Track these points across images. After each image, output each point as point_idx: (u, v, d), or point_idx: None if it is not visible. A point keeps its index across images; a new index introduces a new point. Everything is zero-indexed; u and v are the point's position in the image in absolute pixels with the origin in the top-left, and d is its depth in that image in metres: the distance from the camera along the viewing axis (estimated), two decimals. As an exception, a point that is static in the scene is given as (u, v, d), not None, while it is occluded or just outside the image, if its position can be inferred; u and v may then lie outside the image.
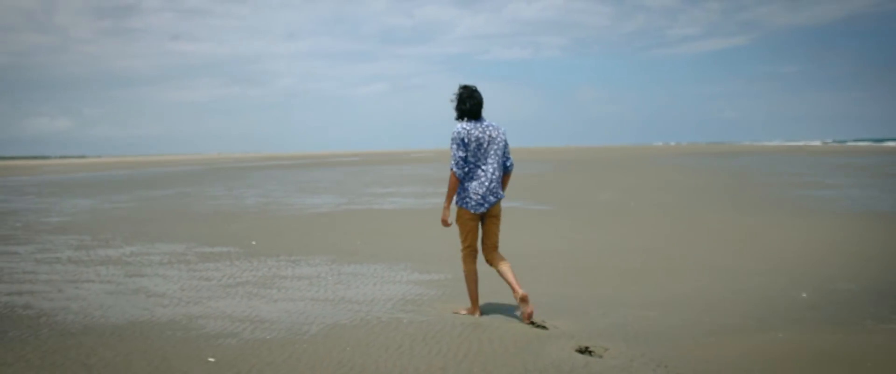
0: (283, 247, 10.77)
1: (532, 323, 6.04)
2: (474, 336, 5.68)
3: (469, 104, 6.14)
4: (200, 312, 6.66)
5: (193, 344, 5.58)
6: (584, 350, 5.32)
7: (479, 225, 6.30)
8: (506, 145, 6.29)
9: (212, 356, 5.26)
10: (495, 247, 6.33)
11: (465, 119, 6.17)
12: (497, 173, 6.18)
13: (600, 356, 5.19)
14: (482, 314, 6.42)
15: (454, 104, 6.21)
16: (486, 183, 6.12)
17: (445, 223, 6.23)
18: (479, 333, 5.77)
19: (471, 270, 6.39)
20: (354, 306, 6.81)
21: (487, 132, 6.14)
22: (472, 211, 6.15)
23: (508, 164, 6.34)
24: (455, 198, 6.19)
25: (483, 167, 6.12)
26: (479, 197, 6.11)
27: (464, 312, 6.47)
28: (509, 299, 6.91)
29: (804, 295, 7.01)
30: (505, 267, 6.25)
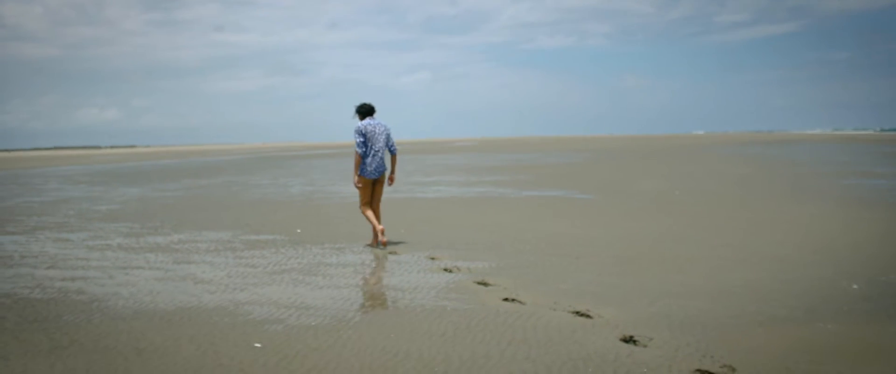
0: (327, 235, 10.87)
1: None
2: (519, 324, 5.67)
3: (364, 110, 9.47)
4: (247, 298, 6.76)
5: (240, 330, 5.67)
6: (629, 339, 5.29)
7: (373, 187, 9.56)
8: (389, 136, 9.53)
9: (258, 342, 5.34)
10: (379, 201, 9.66)
11: (363, 118, 9.46)
12: (382, 155, 9.49)
13: (645, 346, 5.14)
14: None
15: (356, 113, 9.50)
16: (375, 161, 9.43)
17: (357, 185, 9.49)
18: (523, 321, 5.77)
19: (365, 212, 9.59)
20: (399, 294, 6.86)
21: (376, 128, 9.42)
22: (367, 177, 9.45)
23: (393, 149, 9.65)
24: (358, 169, 9.46)
25: (372, 152, 9.39)
26: (371, 169, 9.42)
27: (374, 239, 9.57)
28: (555, 288, 6.93)
29: (855, 287, 6.86)
30: (377, 215, 9.61)
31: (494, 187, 19.93)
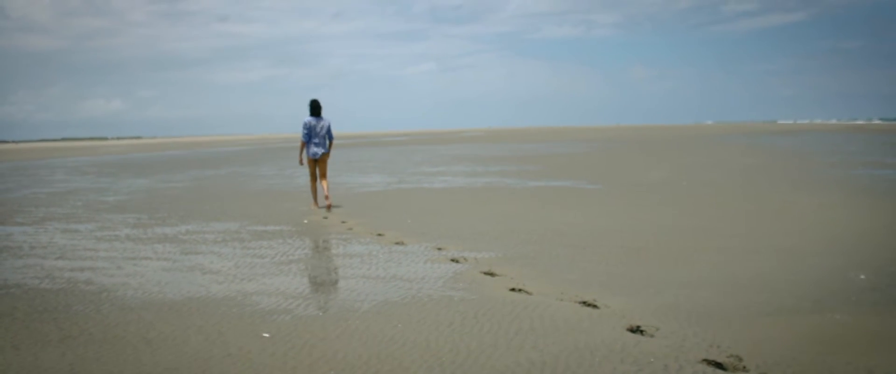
0: (334, 225, 10.89)
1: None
2: (525, 314, 5.68)
3: (311, 109, 13.21)
4: (254, 288, 6.79)
5: (248, 320, 5.70)
6: (636, 329, 5.29)
7: (317, 166, 13.42)
8: (328, 128, 13.30)
9: (266, 332, 5.36)
10: (324, 174, 13.48)
11: (311, 114, 13.20)
12: (324, 142, 13.35)
13: (652, 336, 5.15)
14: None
15: (309, 105, 13.34)
16: (316, 146, 13.30)
17: (300, 163, 13.76)
18: (530, 311, 5.78)
19: (311, 186, 13.67)
20: (405, 284, 6.87)
21: (319, 123, 13.23)
22: (311, 157, 13.37)
23: (331, 137, 13.40)
24: (305, 152, 13.46)
25: (315, 140, 13.29)
26: (313, 152, 13.32)
27: (311, 207, 13.37)
28: (561, 278, 6.93)
29: (862, 277, 6.85)
30: (324, 186, 13.32)
31: (501, 177, 19.92)
